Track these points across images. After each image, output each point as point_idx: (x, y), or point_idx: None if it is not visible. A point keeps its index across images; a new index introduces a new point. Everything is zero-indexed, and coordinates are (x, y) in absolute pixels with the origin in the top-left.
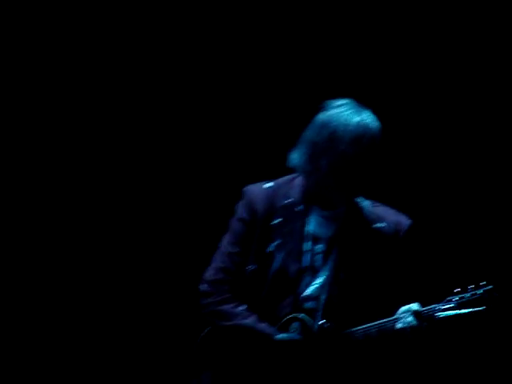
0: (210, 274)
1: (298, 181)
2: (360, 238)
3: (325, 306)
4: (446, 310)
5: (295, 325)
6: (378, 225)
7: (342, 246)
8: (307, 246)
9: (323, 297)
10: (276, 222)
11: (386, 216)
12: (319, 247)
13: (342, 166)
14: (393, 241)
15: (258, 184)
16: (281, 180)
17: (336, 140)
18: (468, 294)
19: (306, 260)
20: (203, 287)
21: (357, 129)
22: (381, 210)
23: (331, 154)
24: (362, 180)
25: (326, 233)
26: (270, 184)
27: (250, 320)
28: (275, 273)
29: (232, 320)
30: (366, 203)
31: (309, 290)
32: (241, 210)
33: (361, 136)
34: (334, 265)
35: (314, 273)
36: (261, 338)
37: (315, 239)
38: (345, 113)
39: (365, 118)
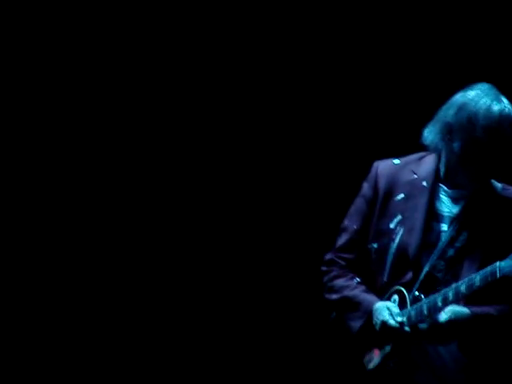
0: (328, 255)
1: (428, 159)
2: (484, 220)
3: (424, 278)
4: None
5: (395, 297)
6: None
7: (464, 226)
8: (431, 223)
9: (426, 269)
10: (399, 197)
11: None
12: (443, 226)
13: (475, 151)
14: None
15: (387, 160)
16: (409, 157)
17: (474, 125)
18: None
19: (429, 238)
20: (322, 268)
21: (496, 117)
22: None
23: (466, 137)
24: (492, 166)
25: (451, 212)
26: (398, 161)
27: (356, 291)
28: (396, 250)
29: (341, 293)
30: (497, 185)
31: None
32: (365, 186)
33: (499, 125)
34: (447, 240)
35: (436, 251)
36: (360, 308)
37: (439, 217)
38: (485, 98)
39: (505, 106)
